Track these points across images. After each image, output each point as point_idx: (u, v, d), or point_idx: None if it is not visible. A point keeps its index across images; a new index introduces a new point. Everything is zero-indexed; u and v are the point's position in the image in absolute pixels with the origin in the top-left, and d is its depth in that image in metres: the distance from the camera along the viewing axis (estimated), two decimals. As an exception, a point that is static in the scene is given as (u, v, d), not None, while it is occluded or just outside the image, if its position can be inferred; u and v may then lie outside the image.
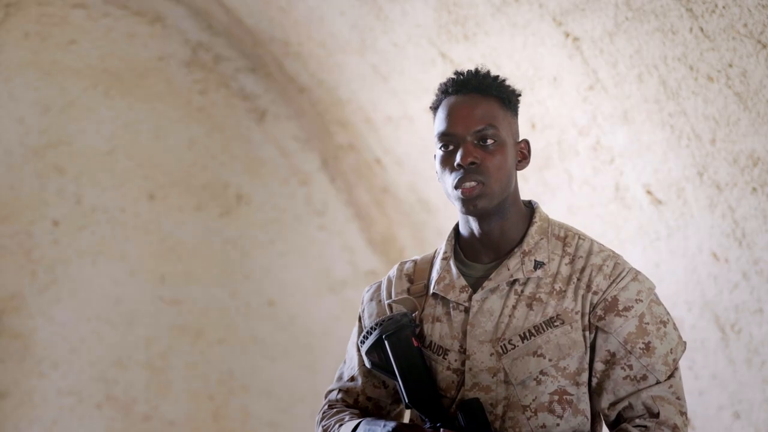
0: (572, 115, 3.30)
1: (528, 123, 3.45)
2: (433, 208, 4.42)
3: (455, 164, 1.93)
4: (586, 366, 1.92)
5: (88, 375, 4.58)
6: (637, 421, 1.87)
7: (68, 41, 4.66)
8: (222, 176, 4.87)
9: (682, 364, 3.26)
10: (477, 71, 2.00)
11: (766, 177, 2.79)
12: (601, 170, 3.31)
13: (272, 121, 4.95)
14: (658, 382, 1.89)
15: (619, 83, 3.04)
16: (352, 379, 2.09)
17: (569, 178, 3.45)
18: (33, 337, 4.53)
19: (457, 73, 2.01)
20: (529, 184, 3.59)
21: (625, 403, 1.89)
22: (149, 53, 4.78)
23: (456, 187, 1.94)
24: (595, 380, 1.92)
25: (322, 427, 2.06)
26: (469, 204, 1.93)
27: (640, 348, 1.89)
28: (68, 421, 4.54)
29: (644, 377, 1.89)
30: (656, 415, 1.86)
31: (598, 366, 1.91)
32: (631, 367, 1.89)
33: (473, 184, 1.92)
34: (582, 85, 3.16)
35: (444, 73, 3.66)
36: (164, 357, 4.70)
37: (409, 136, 4.24)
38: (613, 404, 1.90)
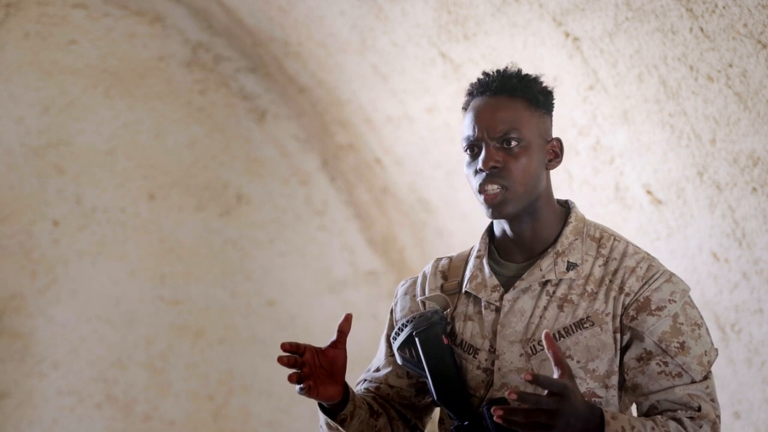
0: (572, 115, 3.29)
1: (528, 123, 3.45)
2: (433, 208, 4.42)
3: (477, 168, 1.93)
4: (616, 369, 1.90)
5: (88, 375, 4.58)
6: (679, 413, 1.84)
7: (68, 41, 4.65)
8: (222, 176, 4.87)
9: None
10: (505, 71, 1.99)
11: (766, 177, 2.78)
12: (601, 170, 3.31)
13: (272, 121, 4.95)
14: (693, 381, 1.87)
15: (619, 83, 3.04)
16: (378, 369, 2.10)
17: (569, 178, 3.45)
18: (33, 337, 4.52)
19: (484, 73, 2.00)
20: (529, 184, 3.59)
21: (658, 397, 1.86)
22: (149, 53, 4.78)
23: (479, 192, 1.94)
24: (627, 377, 1.90)
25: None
26: (493, 210, 1.93)
27: (675, 347, 1.87)
28: (68, 421, 4.53)
29: (679, 374, 1.87)
30: (697, 409, 1.84)
31: (632, 363, 1.89)
32: (666, 364, 1.87)
33: (496, 189, 1.92)
34: (582, 85, 3.16)
35: (444, 73, 3.66)
36: (164, 357, 4.70)
37: (409, 136, 4.23)
38: (646, 396, 1.88)
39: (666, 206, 3.14)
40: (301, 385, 1.91)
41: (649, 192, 3.18)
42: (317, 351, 1.97)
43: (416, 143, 4.21)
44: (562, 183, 3.48)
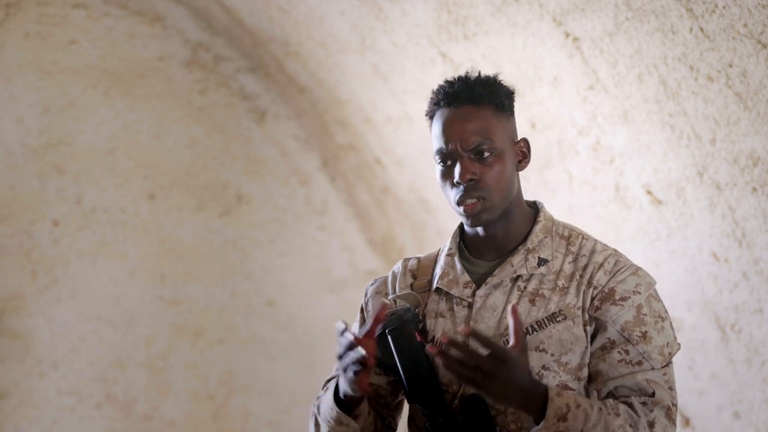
0: (572, 115, 3.30)
1: (528, 123, 3.45)
2: (433, 208, 4.42)
3: (454, 181, 1.96)
4: (587, 361, 1.94)
5: (88, 375, 4.58)
6: (632, 398, 1.87)
7: (68, 41, 4.66)
8: (222, 176, 4.87)
9: (683, 364, 3.26)
10: (467, 78, 2.00)
11: (766, 177, 2.78)
12: (601, 170, 3.31)
13: (272, 121, 4.95)
14: (653, 369, 1.90)
15: (619, 83, 3.04)
16: None
17: (569, 178, 3.45)
18: (33, 337, 4.53)
19: (447, 81, 2.02)
20: (529, 184, 3.59)
21: (616, 383, 1.90)
22: (149, 53, 4.78)
23: (458, 204, 1.96)
24: (591, 365, 1.93)
25: (314, 405, 2.08)
26: (473, 219, 1.97)
27: (637, 335, 1.91)
28: (68, 421, 4.53)
29: (639, 362, 1.90)
30: (651, 395, 1.88)
31: (596, 353, 1.93)
32: (627, 352, 1.91)
33: (474, 200, 1.95)
34: (582, 85, 3.16)
35: (444, 73, 3.66)
36: (164, 357, 4.70)
37: (409, 136, 4.24)
38: (605, 383, 1.91)
39: (666, 206, 3.14)
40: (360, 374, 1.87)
41: (649, 192, 3.18)
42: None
43: (416, 143, 4.21)
44: (562, 183, 3.48)
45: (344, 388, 1.93)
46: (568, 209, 3.50)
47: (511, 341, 1.77)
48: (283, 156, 4.96)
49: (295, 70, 4.60)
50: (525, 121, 3.45)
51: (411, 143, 4.27)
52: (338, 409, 1.96)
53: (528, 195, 3.50)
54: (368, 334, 1.86)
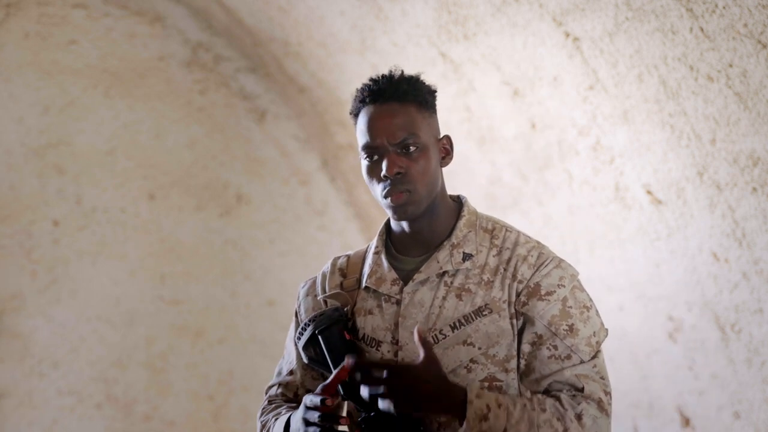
0: (572, 115, 3.29)
1: (528, 123, 3.45)
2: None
3: (382, 175, 2.00)
4: (515, 353, 1.97)
5: (88, 375, 4.58)
6: (562, 393, 1.91)
7: (68, 41, 4.66)
8: (222, 176, 4.87)
9: (683, 364, 3.26)
10: (391, 77, 2.05)
11: (766, 177, 2.78)
12: (601, 170, 3.31)
13: (272, 121, 4.95)
14: (582, 362, 1.94)
15: (619, 83, 3.04)
16: (291, 372, 2.16)
17: (569, 178, 3.45)
18: (33, 337, 4.53)
19: (372, 80, 2.06)
20: (529, 184, 3.59)
21: (549, 380, 1.94)
22: (149, 53, 4.78)
23: (385, 197, 2.00)
24: (522, 362, 1.97)
25: (261, 422, 2.12)
26: (399, 211, 2.01)
27: (564, 329, 1.95)
28: (68, 421, 4.53)
29: (568, 356, 1.94)
30: (581, 390, 1.91)
31: (525, 348, 1.97)
32: (556, 347, 1.95)
33: (400, 194, 1.99)
34: (582, 85, 3.16)
35: (444, 73, 3.66)
36: (164, 357, 4.70)
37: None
38: (537, 381, 1.95)
39: (666, 206, 3.14)
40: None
41: (649, 192, 3.18)
42: None
43: (416, 143, 4.21)
44: (562, 183, 3.48)
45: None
46: (568, 209, 3.50)
47: (421, 352, 1.82)
48: (283, 156, 4.96)
49: (295, 70, 4.60)
50: (525, 121, 3.45)
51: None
52: None
53: (528, 195, 3.51)
54: (327, 388, 1.91)
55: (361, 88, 2.06)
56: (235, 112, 4.90)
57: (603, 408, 1.91)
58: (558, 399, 1.90)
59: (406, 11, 3.56)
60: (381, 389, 1.79)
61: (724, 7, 2.55)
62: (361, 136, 2.03)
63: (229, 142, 4.89)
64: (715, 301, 3.09)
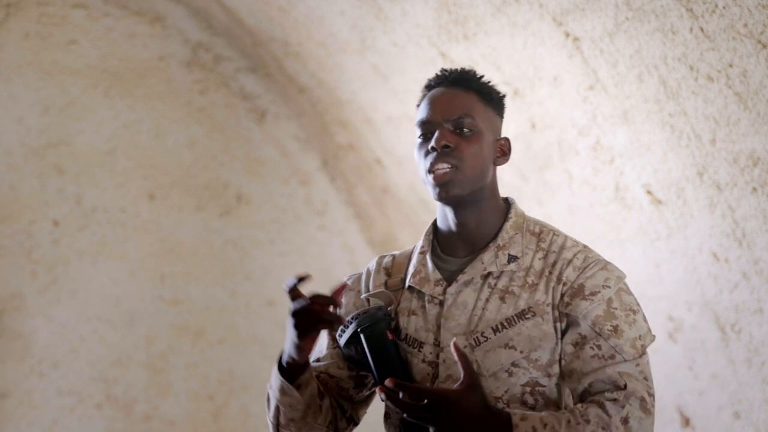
0: (572, 115, 3.29)
1: (528, 123, 3.45)
2: (434, 208, 4.40)
3: (429, 147, 1.97)
4: (557, 358, 1.93)
5: (88, 375, 4.58)
6: (606, 395, 1.86)
7: (68, 41, 4.66)
8: (222, 176, 4.87)
9: (683, 364, 3.26)
10: (462, 68, 2.05)
11: (766, 177, 2.78)
12: (601, 170, 3.31)
13: (272, 121, 4.95)
14: (625, 361, 1.89)
15: (619, 83, 3.04)
16: (318, 360, 2.12)
17: (569, 178, 3.45)
18: (33, 337, 4.53)
19: (442, 69, 2.07)
20: (529, 184, 3.59)
21: (590, 378, 1.89)
22: (149, 53, 4.78)
23: (429, 171, 1.97)
24: (564, 362, 1.93)
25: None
26: (441, 189, 1.97)
27: (608, 329, 1.90)
28: (68, 421, 4.53)
29: (612, 356, 1.89)
30: (623, 387, 1.86)
31: (568, 349, 1.92)
32: (599, 347, 1.90)
33: (446, 167, 1.96)
34: (582, 85, 3.16)
35: (444, 73, 3.66)
36: (164, 357, 4.70)
37: (409, 136, 4.23)
38: (578, 380, 1.90)
39: (666, 206, 3.14)
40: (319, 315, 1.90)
41: (649, 192, 3.18)
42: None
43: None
44: (562, 183, 3.48)
45: (289, 350, 1.94)
46: (568, 209, 3.50)
47: (461, 377, 1.78)
48: (283, 156, 4.96)
49: (295, 70, 4.60)
50: (525, 121, 3.45)
51: (411, 143, 4.26)
52: (281, 377, 1.97)
53: (528, 195, 3.51)
54: (326, 300, 1.88)
55: (430, 78, 2.06)
56: (235, 112, 4.90)
57: (646, 408, 1.86)
58: (602, 406, 1.84)
59: (406, 11, 3.56)
60: (422, 414, 1.75)
61: (724, 7, 2.55)
62: (418, 115, 2.03)
63: (229, 142, 4.89)
64: (715, 301, 3.09)
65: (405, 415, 1.77)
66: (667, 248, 3.19)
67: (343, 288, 1.93)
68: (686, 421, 3.35)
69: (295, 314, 1.91)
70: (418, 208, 4.55)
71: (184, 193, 4.80)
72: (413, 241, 4.76)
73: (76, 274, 4.60)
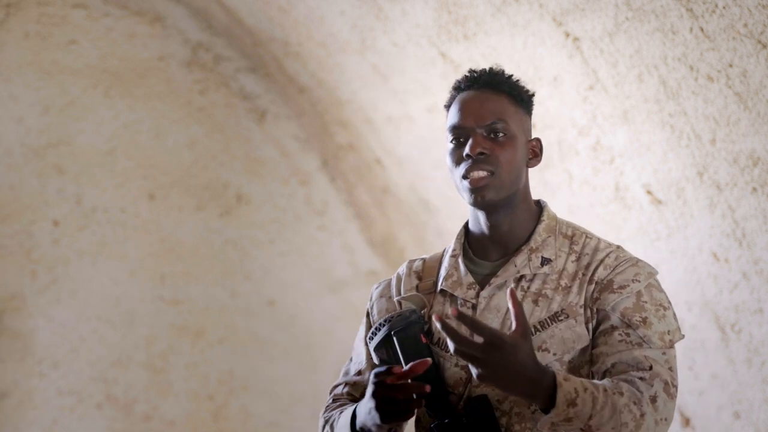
0: (572, 115, 3.29)
1: (528, 123, 3.45)
2: (433, 208, 4.42)
3: (464, 154, 1.95)
4: (588, 358, 1.92)
5: (88, 375, 4.58)
6: (632, 373, 1.84)
7: (68, 41, 4.65)
8: (222, 176, 4.87)
9: (683, 364, 3.26)
10: (491, 69, 2.03)
11: (766, 177, 2.78)
12: (601, 170, 3.31)
13: (272, 121, 4.95)
14: (651, 348, 1.88)
15: (619, 83, 3.04)
16: (359, 373, 2.09)
17: (569, 178, 3.45)
18: (33, 337, 4.52)
19: (470, 71, 2.04)
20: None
21: (614, 359, 1.87)
22: (149, 53, 4.78)
23: (464, 177, 1.96)
24: (593, 349, 1.91)
25: (324, 418, 2.05)
26: (477, 194, 1.95)
27: (637, 320, 1.89)
28: (68, 421, 4.53)
29: (639, 344, 1.88)
30: (648, 369, 1.85)
31: (598, 337, 1.91)
32: (628, 335, 1.89)
33: (482, 174, 1.94)
34: (582, 85, 3.16)
35: (444, 73, 3.66)
36: (164, 357, 4.70)
37: (409, 136, 4.23)
38: (603, 361, 1.88)
39: (666, 206, 3.14)
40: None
41: (649, 192, 3.18)
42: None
43: (416, 143, 4.21)
44: (562, 183, 3.48)
45: (367, 423, 1.87)
46: (568, 209, 3.50)
47: (513, 326, 1.74)
48: (283, 156, 4.96)
49: (295, 70, 4.60)
50: (525, 121, 3.45)
51: (411, 143, 4.26)
52: None
53: (528, 195, 3.46)
54: (404, 373, 1.81)
55: (459, 79, 2.04)
56: (235, 112, 4.90)
57: (669, 392, 1.84)
58: (632, 382, 1.82)
59: (406, 11, 3.56)
60: (473, 352, 1.70)
61: (724, 7, 2.55)
62: (449, 119, 2.01)
63: (229, 142, 4.89)
64: (715, 301, 3.09)
65: (456, 346, 1.70)
66: (667, 248, 3.19)
67: (424, 364, 1.83)
68: (686, 421, 3.35)
69: (376, 394, 1.82)
70: (418, 208, 4.55)
71: (184, 193, 4.80)
72: (413, 241, 4.78)
73: (76, 274, 4.60)
